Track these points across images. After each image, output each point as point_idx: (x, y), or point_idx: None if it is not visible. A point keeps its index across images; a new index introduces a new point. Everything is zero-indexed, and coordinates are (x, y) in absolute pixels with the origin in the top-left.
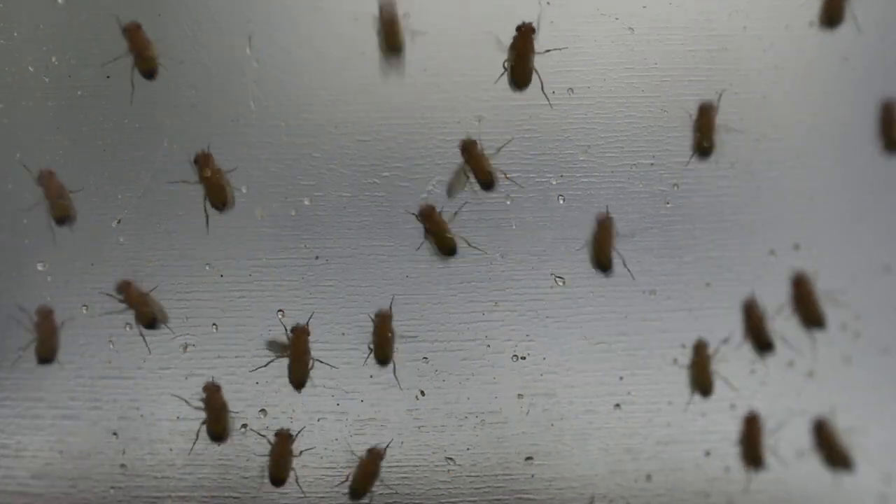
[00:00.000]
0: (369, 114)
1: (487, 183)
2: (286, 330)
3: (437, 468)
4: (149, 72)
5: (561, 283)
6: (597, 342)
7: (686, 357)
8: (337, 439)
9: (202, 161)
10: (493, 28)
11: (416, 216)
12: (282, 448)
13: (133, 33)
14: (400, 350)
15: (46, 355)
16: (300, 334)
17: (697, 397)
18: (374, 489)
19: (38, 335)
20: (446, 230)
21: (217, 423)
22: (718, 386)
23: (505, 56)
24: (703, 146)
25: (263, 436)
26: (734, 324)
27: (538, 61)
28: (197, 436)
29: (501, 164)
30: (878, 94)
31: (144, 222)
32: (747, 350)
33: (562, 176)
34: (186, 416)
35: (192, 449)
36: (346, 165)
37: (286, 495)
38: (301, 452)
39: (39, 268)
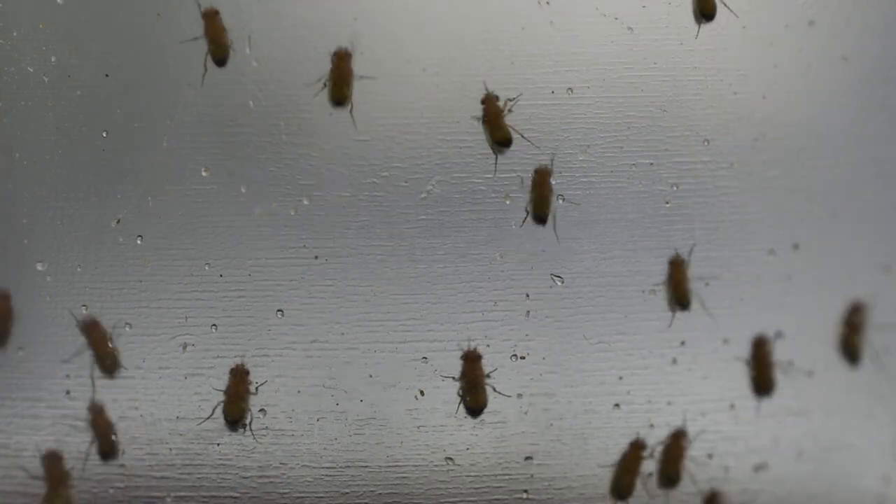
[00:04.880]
0: (369, 114)
1: None
2: None
3: (437, 468)
4: (221, 59)
5: (560, 283)
6: (596, 342)
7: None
8: (337, 439)
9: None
10: (493, 27)
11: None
12: None
13: (211, 19)
14: (399, 349)
15: None
16: None
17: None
18: (373, 489)
19: None
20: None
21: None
22: (718, 387)
23: None
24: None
25: None
26: (734, 323)
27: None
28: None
29: (502, 164)
30: (878, 94)
31: (144, 222)
32: (747, 349)
33: (561, 175)
34: (186, 415)
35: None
36: (346, 165)
37: (286, 495)
38: None
39: (39, 268)
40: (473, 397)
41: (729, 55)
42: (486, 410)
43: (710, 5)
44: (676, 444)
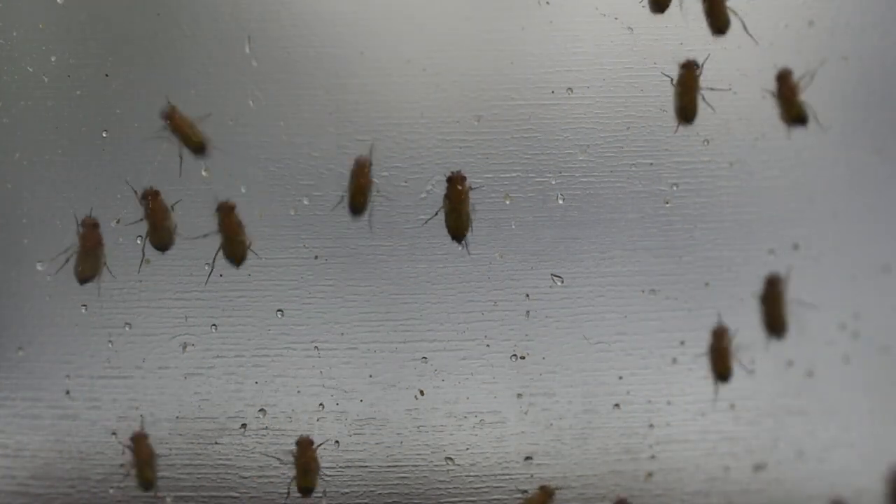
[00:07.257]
0: (369, 114)
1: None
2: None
3: (437, 468)
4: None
5: (560, 283)
6: (596, 342)
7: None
8: (337, 439)
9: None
10: (493, 27)
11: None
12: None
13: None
14: (399, 349)
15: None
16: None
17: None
18: (373, 489)
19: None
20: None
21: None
22: (717, 387)
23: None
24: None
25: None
26: (734, 324)
27: None
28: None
29: (502, 164)
30: (879, 94)
31: (144, 222)
32: (746, 350)
33: (561, 175)
34: (186, 415)
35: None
36: (346, 165)
37: (285, 496)
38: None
39: (39, 268)
40: (455, 222)
41: (729, 55)
42: (485, 410)
43: (723, 20)
44: (689, 74)
